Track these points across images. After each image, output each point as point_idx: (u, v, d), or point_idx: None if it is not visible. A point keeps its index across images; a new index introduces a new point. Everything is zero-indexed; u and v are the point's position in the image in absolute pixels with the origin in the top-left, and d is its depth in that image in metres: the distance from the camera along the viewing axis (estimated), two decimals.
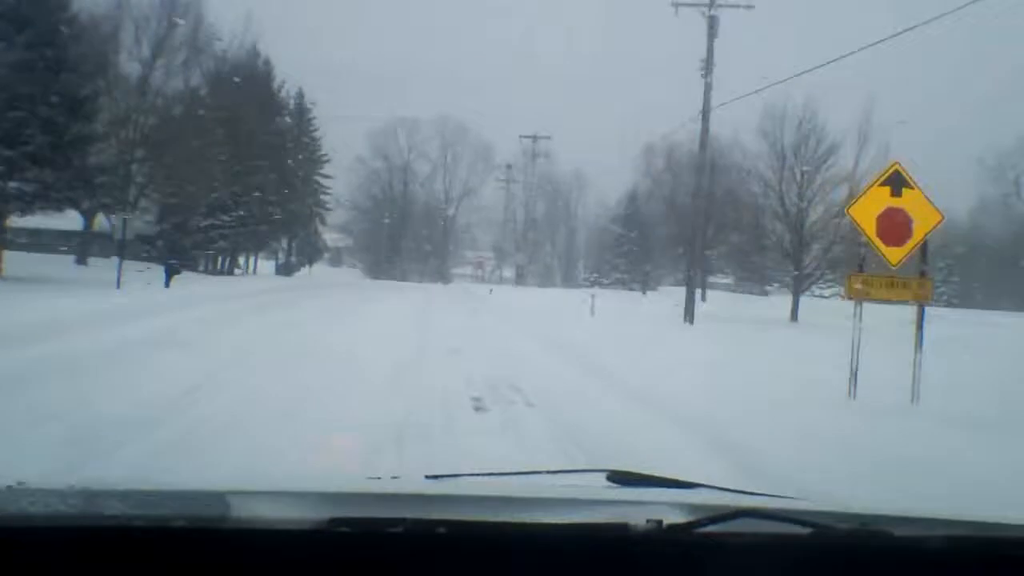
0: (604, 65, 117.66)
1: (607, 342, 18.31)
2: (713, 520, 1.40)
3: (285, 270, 68.20)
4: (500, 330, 22.18)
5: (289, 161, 60.81)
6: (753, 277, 71.32)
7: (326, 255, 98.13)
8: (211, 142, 49.78)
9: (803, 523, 1.45)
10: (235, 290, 32.81)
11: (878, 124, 36.63)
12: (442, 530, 1.38)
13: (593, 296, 27.07)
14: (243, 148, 50.31)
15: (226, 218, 49.65)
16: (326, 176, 70.24)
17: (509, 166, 75.17)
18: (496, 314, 27.97)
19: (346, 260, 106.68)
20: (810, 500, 2.17)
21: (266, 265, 70.31)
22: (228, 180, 49.90)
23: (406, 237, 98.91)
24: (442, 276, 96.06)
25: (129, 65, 45.82)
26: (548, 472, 2.21)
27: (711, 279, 73.74)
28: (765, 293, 70.45)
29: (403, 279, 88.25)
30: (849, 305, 12.21)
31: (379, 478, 2.16)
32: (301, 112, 67.60)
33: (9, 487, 1.50)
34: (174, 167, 47.86)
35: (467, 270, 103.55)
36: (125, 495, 1.57)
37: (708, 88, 26.29)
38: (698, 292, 57.63)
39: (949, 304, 64.95)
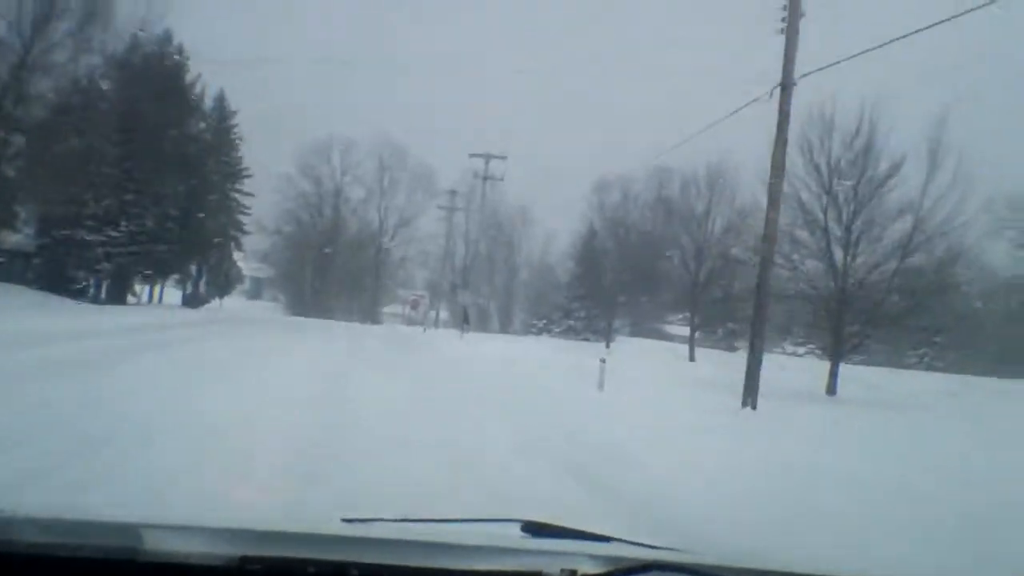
0: (555, 100, 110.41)
1: (689, 468, 9.77)
2: (626, 572, 1.40)
3: (192, 301, 58.83)
4: (478, 422, 12.62)
5: (205, 172, 51.75)
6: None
7: (241, 286, 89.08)
8: (101, 136, 40.79)
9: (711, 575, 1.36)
10: (93, 325, 23.86)
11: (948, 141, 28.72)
12: (354, 573, 1.36)
13: (603, 360, 18.80)
14: (141, 148, 41.43)
15: (115, 233, 40.43)
16: (246, 194, 61.11)
17: (453, 192, 66.80)
18: (458, 382, 19.43)
19: (266, 293, 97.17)
20: (718, 555, 2.03)
21: (174, 295, 61.06)
22: (118, 187, 40.90)
23: (334, 270, 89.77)
24: (372, 315, 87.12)
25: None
26: (464, 520, 2.27)
27: (666, 328, 66.41)
28: (733, 349, 63.55)
29: (328, 316, 79.27)
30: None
31: (297, 522, 2.15)
32: (221, 117, 58.59)
33: None
34: (57, 165, 38.84)
35: (398, 309, 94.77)
36: (39, 523, 1.59)
37: (793, 34, 17.88)
38: (679, 348, 50.57)
39: None
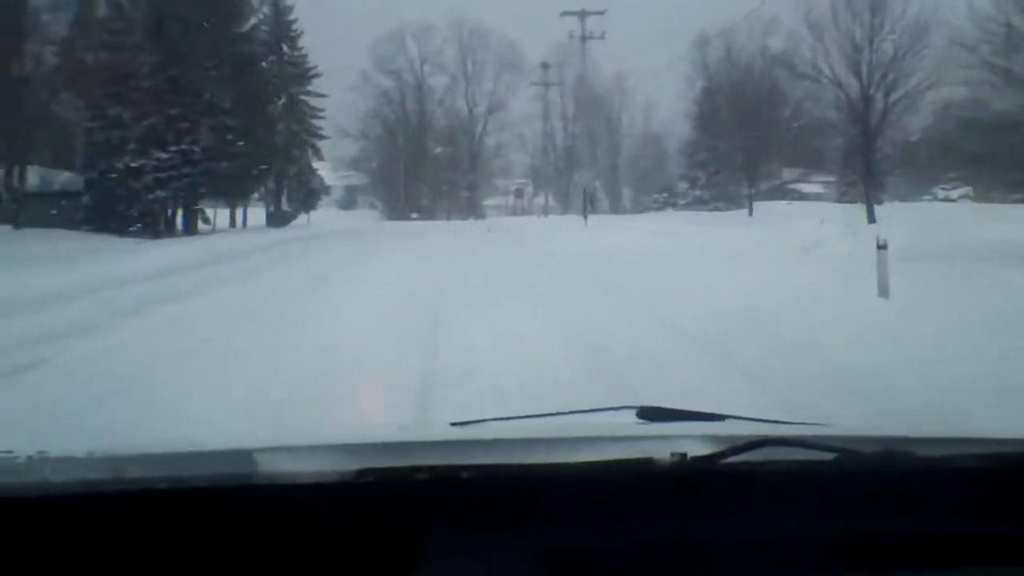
0: None
1: None
2: (737, 450, 1.39)
3: (277, 220, 53.68)
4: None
5: (265, 74, 45.84)
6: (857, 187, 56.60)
7: (329, 197, 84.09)
8: (133, 45, 35.12)
9: (827, 448, 1.43)
10: (117, 272, 18.33)
11: None
12: (466, 474, 1.37)
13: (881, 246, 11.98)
14: (182, 53, 35.67)
15: (163, 155, 34.93)
16: (316, 95, 55.03)
17: (546, 65, 59.20)
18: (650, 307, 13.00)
19: (360, 201, 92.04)
20: (835, 426, 2.06)
21: (260, 215, 56.10)
22: (161, 101, 35.26)
23: (428, 167, 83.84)
24: (473, 210, 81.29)
25: None
26: (576, 412, 2.20)
27: (793, 187, 58.53)
28: (879, 202, 55.50)
29: (428, 216, 73.82)
30: None
31: (405, 427, 2.36)
32: (277, 14, 52.43)
33: (30, 457, 1.46)
34: (87, 84, 33.50)
35: (501, 200, 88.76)
36: (147, 459, 1.59)
37: None
38: (846, 209, 43.21)
39: None
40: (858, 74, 29.50)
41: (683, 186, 55.59)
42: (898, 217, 29.47)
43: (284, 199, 54.83)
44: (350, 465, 1.40)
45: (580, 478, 1.41)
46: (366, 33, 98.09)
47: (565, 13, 57.44)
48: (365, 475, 1.36)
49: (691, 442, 1.52)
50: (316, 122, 55.47)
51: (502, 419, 2.20)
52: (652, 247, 20.76)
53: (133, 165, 34.24)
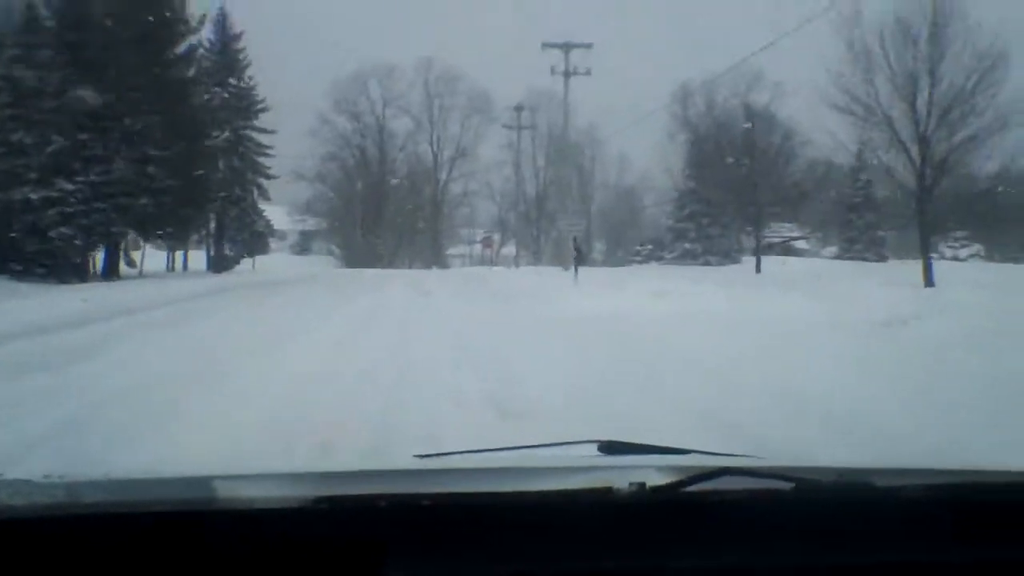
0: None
1: None
2: (695, 480, 1.42)
3: (218, 264, 48.19)
4: None
5: (203, 104, 40.52)
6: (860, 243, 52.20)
7: (283, 241, 78.57)
8: (37, 62, 29.80)
9: (785, 478, 1.45)
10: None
11: None
12: (426, 502, 1.39)
13: None
14: (101, 73, 30.34)
15: (69, 186, 29.41)
16: (263, 130, 49.66)
17: (520, 107, 54.04)
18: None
19: (316, 246, 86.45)
20: (793, 460, 1.96)
21: (202, 259, 50.65)
22: (71, 124, 29.81)
23: (388, 214, 78.52)
24: (437, 259, 76.01)
25: None
26: (539, 446, 2.20)
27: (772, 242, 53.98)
28: (883, 259, 51.18)
29: (390, 265, 68.46)
30: None
31: (367, 457, 2.31)
32: (223, 41, 47.32)
33: None
34: None
35: (464, 250, 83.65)
36: (106, 485, 1.59)
37: None
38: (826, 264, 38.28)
39: None
40: (914, 110, 24.38)
41: (669, 238, 50.63)
42: (950, 278, 24.59)
43: (226, 242, 49.23)
44: (310, 492, 1.39)
45: (540, 506, 1.42)
46: (326, 72, 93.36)
47: (547, 45, 52.64)
48: (325, 502, 1.35)
49: (650, 472, 1.53)
50: (263, 160, 50.05)
51: (465, 452, 2.19)
52: (674, 315, 15.52)
53: (33, 197, 28.64)
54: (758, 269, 35.93)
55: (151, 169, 32.19)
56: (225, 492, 1.54)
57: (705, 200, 47.48)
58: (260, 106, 49.30)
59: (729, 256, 48.12)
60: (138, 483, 1.66)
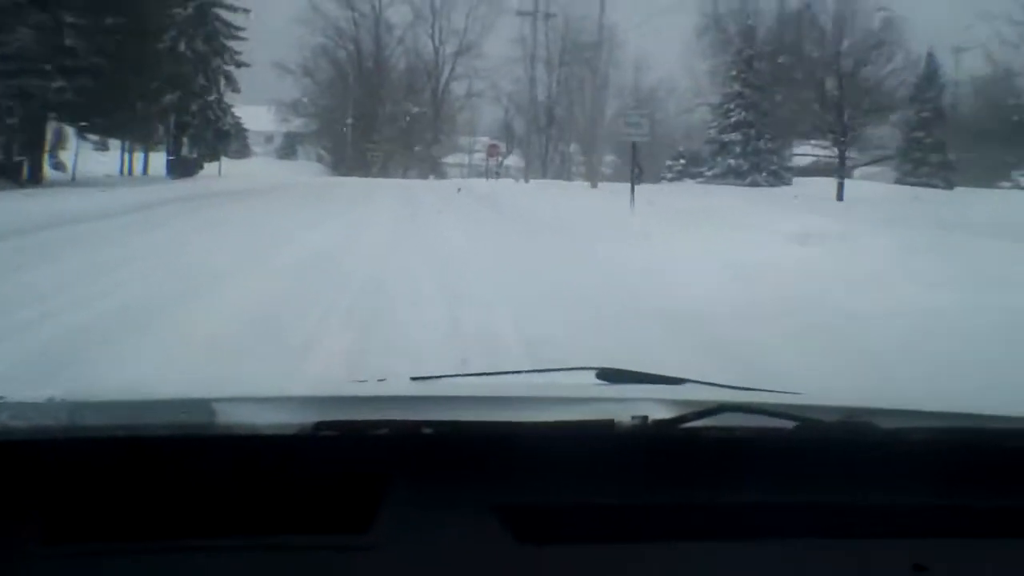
0: None
1: None
2: (698, 415, 1.41)
3: (178, 169, 40.91)
4: None
5: None
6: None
7: (263, 143, 71.15)
8: None
9: (788, 417, 1.44)
10: None
11: None
12: (427, 430, 1.38)
13: None
14: None
15: None
16: (234, 8, 41.71)
17: None
18: None
19: (303, 151, 78.85)
20: (798, 395, 1.98)
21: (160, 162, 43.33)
22: None
23: (381, 116, 70.72)
24: (433, 168, 68.56)
25: None
26: (536, 371, 2.34)
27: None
28: (949, 187, 44.13)
29: (383, 173, 61.17)
30: None
31: (364, 381, 2.12)
32: None
33: None
34: None
35: (461, 159, 76.05)
36: (107, 406, 1.59)
37: None
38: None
39: None
40: None
41: (708, 152, 43.17)
42: None
43: (187, 142, 41.83)
44: (309, 418, 1.38)
45: (542, 437, 1.42)
46: None
47: None
48: (324, 428, 1.34)
49: (652, 405, 1.52)
50: (234, 44, 42.16)
51: (462, 375, 2.28)
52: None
53: None
54: (840, 195, 28.73)
55: (69, 42, 24.68)
56: (224, 417, 1.52)
57: (756, 107, 40.06)
58: None
59: (779, 176, 40.92)
60: (140, 405, 1.63)
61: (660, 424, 1.40)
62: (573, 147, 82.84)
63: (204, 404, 1.59)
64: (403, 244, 13.02)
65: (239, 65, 42.09)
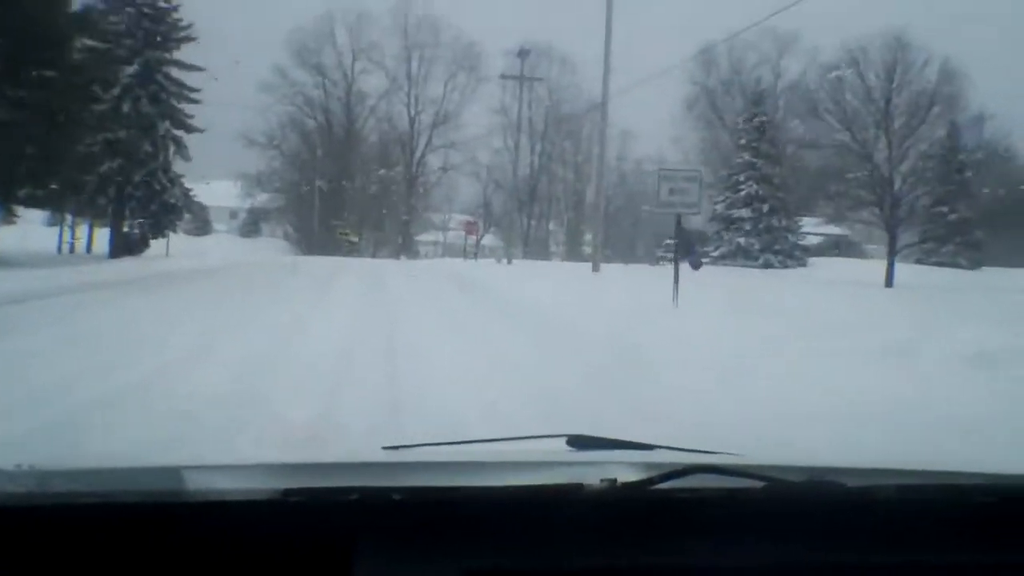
0: None
1: None
2: (667, 477, 1.42)
3: (123, 246, 36.24)
4: None
5: (93, 21, 28.59)
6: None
7: (229, 219, 66.70)
8: None
9: (756, 477, 1.45)
10: None
11: None
12: (397, 496, 1.38)
13: None
14: None
15: None
16: (185, 66, 37.30)
17: (524, 52, 41.57)
18: None
19: (274, 228, 74.33)
20: (765, 458, 1.97)
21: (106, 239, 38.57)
22: None
23: (352, 192, 66.51)
24: (406, 247, 64.24)
25: None
26: (507, 439, 2.23)
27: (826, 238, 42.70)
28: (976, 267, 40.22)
29: (353, 251, 56.75)
30: None
31: (335, 450, 2.25)
32: None
33: None
34: None
35: (437, 237, 71.79)
36: (76, 474, 1.59)
37: None
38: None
39: None
40: None
41: (713, 229, 38.89)
42: None
43: (132, 216, 37.15)
44: (279, 484, 1.39)
45: (511, 501, 1.42)
46: (285, 16, 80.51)
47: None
48: (295, 495, 1.35)
49: (621, 468, 1.53)
50: (186, 107, 37.63)
51: (434, 444, 2.15)
52: None
53: None
54: (889, 281, 24.35)
55: None
56: (194, 483, 1.52)
57: (768, 180, 36.05)
58: (183, 32, 36.94)
59: (793, 256, 36.74)
60: (109, 473, 1.63)
61: (629, 486, 1.39)
62: (552, 225, 79.54)
63: (173, 471, 1.58)
64: (360, 379, 8.30)
65: (191, 130, 37.51)
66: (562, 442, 2.01)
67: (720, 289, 15.63)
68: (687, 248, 14.78)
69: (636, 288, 17.88)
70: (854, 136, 27.14)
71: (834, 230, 44.40)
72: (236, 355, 8.88)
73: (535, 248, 67.22)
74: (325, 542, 1.33)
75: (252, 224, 74.44)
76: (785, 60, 53.84)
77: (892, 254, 25.83)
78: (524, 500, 1.41)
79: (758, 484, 1.43)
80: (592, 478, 1.39)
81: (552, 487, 1.43)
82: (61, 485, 1.47)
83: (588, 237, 78.57)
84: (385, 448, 1.98)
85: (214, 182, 71.48)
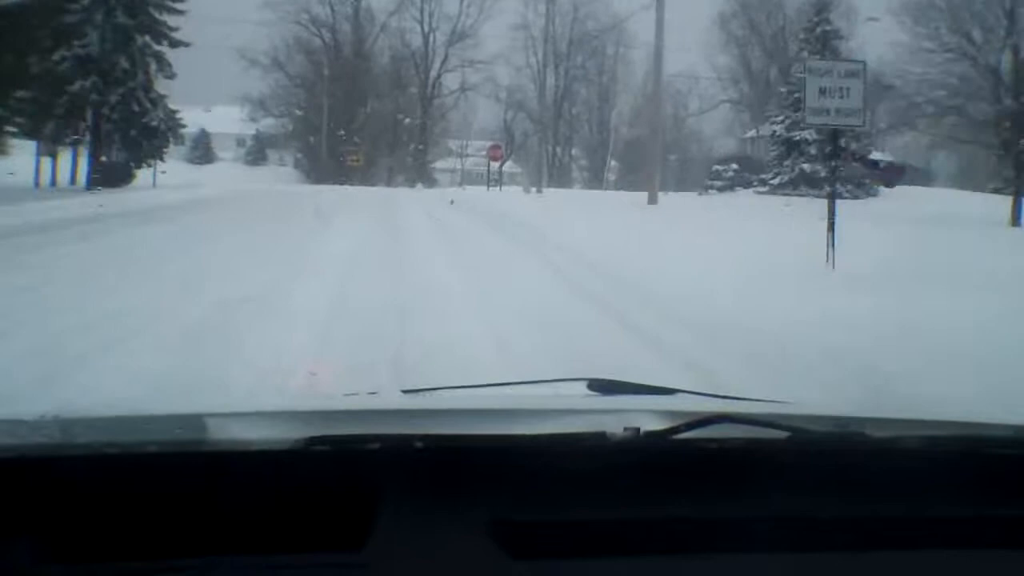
0: None
1: None
2: (690, 426, 1.39)
3: (103, 176, 32.11)
4: None
5: None
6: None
7: (235, 147, 62.35)
8: None
9: (780, 427, 1.42)
10: None
11: None
12: (420, 444, 1.36)
13: None
14: None
15: None
16: None
17: None
18: None
19: (275, 156, 69.94)
20: (789, 404, 1.98)
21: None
22: None
23: (363, 115, 61.76)
24: (422, 174, 59.77)
25: None
26: (527, 383, 2.24)
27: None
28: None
29: (364, 181, 52.55)
30: None
31: (355, 394, 2.08)
32: None
33: None
34: None
35: (453, 164, 67.34)
36: (99, 423, 1.58)
37: None
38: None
39: None
40: None
41: (774, 155, 34.03)
42: None
43: (111, 143, 32.84)
44: (301, 433, 1.38)
45: (535, 451, 1.41)
46: None
47: None
48: (316, 443, 1.33)
49: (643, 416, 1.52)
50: (167, 18, 32.90)
51: (453, 387, 2.21)
52: None
53: None
54: (1016, 219, 19.80)
55: None
56: (216, 432, 1.51)
57: None
58: None
59: (861, 185, 32.15)
60: (131, 421, 1.62)
61: (652, 435, 1.39)
62: (574, 151, 74.80)
63: (196, 420, 1.58)
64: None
65: (175, 44, 32.79)
66: (582, 386, 1.98)
67: (853, 234, 11.09)
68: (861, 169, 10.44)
69: (723, 229, 13.55)
70: (969, 40, 22.34)
71: (889, 157, 39.75)
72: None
73: (558, 175, 62.72)
74: (349, 492, 1.31)
75: (258, 152, 70.15)
76: None
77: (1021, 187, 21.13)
78: (547, 449, 1.39)
79: (782, 435, 1.40)
80: (615, 426, 1.37)
81: (575, 436, 1.41)
82: (84, 435, 1.45)
83: (614, 163, 74.45)
84: (405, 391, 2.04)
85: (217, 107, 67.37)
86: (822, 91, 8.99)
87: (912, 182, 39.17)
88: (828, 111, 9.02)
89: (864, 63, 9.54)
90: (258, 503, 1.30)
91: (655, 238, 12.00)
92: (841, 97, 8.99)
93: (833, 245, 9.16)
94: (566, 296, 8.70)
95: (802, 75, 9.15)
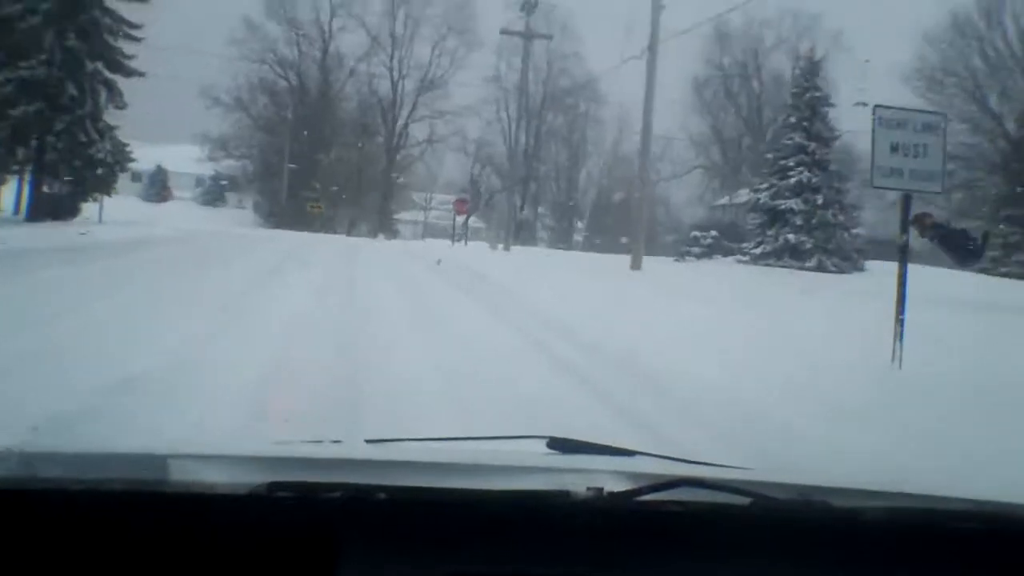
0: None
1: None
2: (654, 488, 1.41)
3: (44, 208, 30.01)
4: None
5: None
6: None
7: (199, 187, 60.20)
8: None
9: (743, 492, 1.44)
10: None
11: None
12: (382, 495, 1.37)
13: None
14: None
15: None
16: None
17: (531, 3, 35.18)
18: None
19: (234, 198, 67.71)
20: (751, 470, 1.97)
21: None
22: None
23: (326, 160, 59.89)
24: (384, 224, 57.92)
25: None
26: (489, 438, 2.25)
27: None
28: None
29: (325, 228, 50.76)
30: None
31: (319, 442, 2.05)
32: None
33: None
34: None
35: (417, 216, 65.67)
36: (62, 459, 1.58)
37: None
38: None
39: None
40: None
41: (758, 223, 32.48)
42: None
43: (53, 175, 30.67)
44: (264, 477, 1.38)
45: (497, 506, 1.41)
46: None
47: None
48: (277, 489, 1.34)
49: (606, 477, 1.52)
50: (123, 44, 30.89)
51: (417, 440, 2.22)
52: None
53: None
54: None
55: None
56: (178, 473, 1.48)
57: (823, 166, 30.09)
58: None
59: (849, 258, 30.81)
60: (95, 458, 1.60)
61: (615, 496, 1.39)
62: (540, 208, 73.35)
63: (159, 460, 1.55)
64: None
65: (129, 73, 30.79)
66: (542, 444, 1.97)
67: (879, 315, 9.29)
68: (957, 244, 8.66)
69: (737, 304, 11.77)
70: (983, 106, 21.08)
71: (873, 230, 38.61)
72: None
73: (523, 233, 61.18)
74: (309, 538, 1.30)
75: (216, 192, 67.91)
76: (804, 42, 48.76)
77: None
78: (510, 505, 1.39)
79: (746, 500, 1.41)
80: (578, 485, 1.38)
81: (538, 493, 1.40)
82: (46, 470, 1.44)
83: (580, 224, 73.05)
84: (368, 441, 2.02)
85: (178, 146, 65.36)
86: (894, 148, 7.29)
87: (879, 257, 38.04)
88: (902, 172, 7.32)
89: (945, 115, 7.94)
90: (220, 546, 1.28)
91: (668, 318, 10.11)
92: (916, 156, 7.31)
93: (901, 338, 7.37)
94: (597, 416, 6.27)
95: (883, 123, 7.28)
